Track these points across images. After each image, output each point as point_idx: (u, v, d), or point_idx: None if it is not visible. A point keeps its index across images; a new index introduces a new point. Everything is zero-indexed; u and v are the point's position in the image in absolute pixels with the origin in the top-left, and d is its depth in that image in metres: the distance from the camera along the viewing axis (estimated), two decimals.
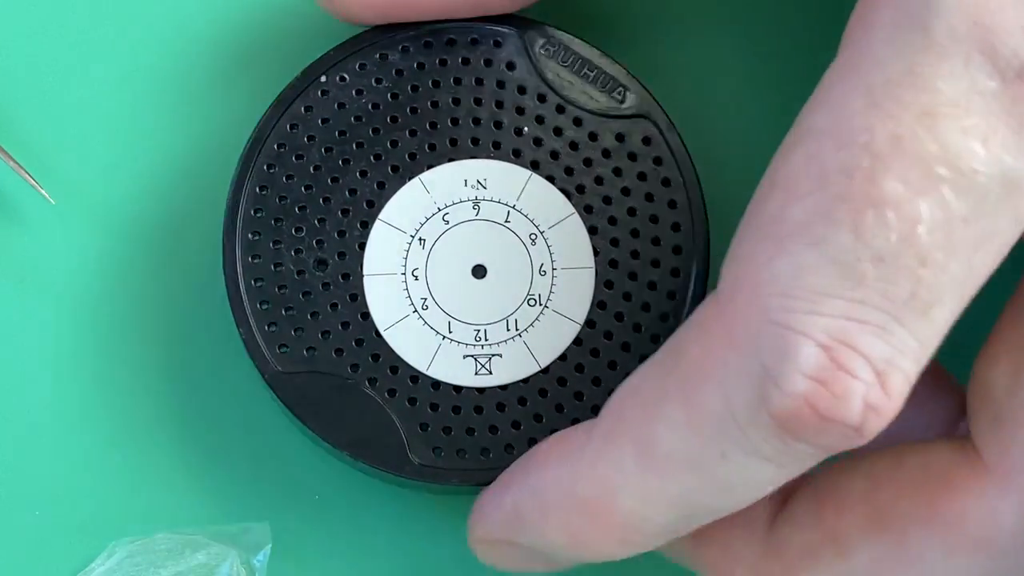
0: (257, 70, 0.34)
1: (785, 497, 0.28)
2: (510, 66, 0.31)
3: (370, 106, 0.30)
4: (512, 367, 0.30)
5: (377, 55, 0.31)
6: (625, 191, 0.31)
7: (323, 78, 0.31)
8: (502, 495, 0.28)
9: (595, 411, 0.29)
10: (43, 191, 0.33)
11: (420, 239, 0.30)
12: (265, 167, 0.30)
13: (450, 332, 0.30)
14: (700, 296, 0.30)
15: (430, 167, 0.30)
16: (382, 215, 0.30)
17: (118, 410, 0.33)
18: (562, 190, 0.31)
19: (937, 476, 0.26)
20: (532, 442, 0.30)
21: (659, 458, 0.25)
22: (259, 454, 0.33)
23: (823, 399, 0.23)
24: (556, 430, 0.30)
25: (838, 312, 0.23)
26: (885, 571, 0.27)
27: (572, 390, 0.30)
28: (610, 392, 0.29)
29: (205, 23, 0.34)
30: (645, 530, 0.26)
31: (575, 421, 0.30)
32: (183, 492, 0.33)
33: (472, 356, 0.30)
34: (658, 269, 0.30)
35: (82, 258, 0.33)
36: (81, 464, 0.33)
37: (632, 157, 0.31)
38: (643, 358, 0.30)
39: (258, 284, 0.30)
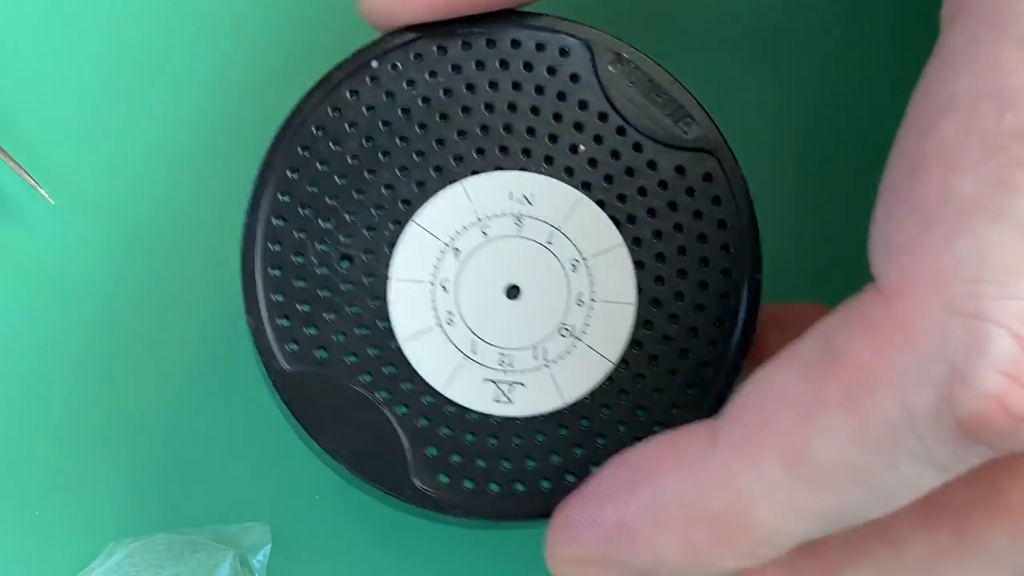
0: (281, 59, 0.33)
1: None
2: (574, 78, 0.29)
3: (420, 100, 0.28)
4: (534, 398, 0.28)
5: (435, 47, 0.29)
6: (678, 227, 0.29)
7: (374, 63, 0.28)
8: (600, 510, 0.25)
9: (611, 454, 0.27)
10: (43, 191, 0.33)
11: (455, 249, 0.28)
12: (299, 149, 0.28)
13: (473, 353, 0.28)
14: (743, 346, 0.28)
15: (475, 173, 0.28)
16: (417, 217, 0.28)
17: (118, 410, 0.33)
18: (612, 217, 0.28)
19: (999, 460, 0.24)
20: (541, 480, 0.28)
21: (814, 469, 0.23)
22: (259, 454, 0.32)
23: (1015, 396, 0.21)
24: (571, 472, 0.28)
25: None
26: (944, 563, 0.25)
27: (595, 431, 0.28)
28: (635, 437, 0.27)
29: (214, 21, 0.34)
30: (779, 544, 0.24)
31: (593, 464, 0.28)
32: (183, 492, 0.33)
33: (493, 381, 0.28)
34: (702, 313, 0.28)
35: (82, 258, 0.33)
36: (81, 464, 0.33)
37: (690, 192, 0.29)
38: (675, 405, 0.28)
39: (275, 273, 0.28)
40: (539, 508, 0.28)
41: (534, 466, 0.28)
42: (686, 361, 0.28)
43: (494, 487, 0.28)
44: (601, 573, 0.26)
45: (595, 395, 0.28)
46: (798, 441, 0.23)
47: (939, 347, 0.22)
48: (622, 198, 0.29)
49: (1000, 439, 0.22)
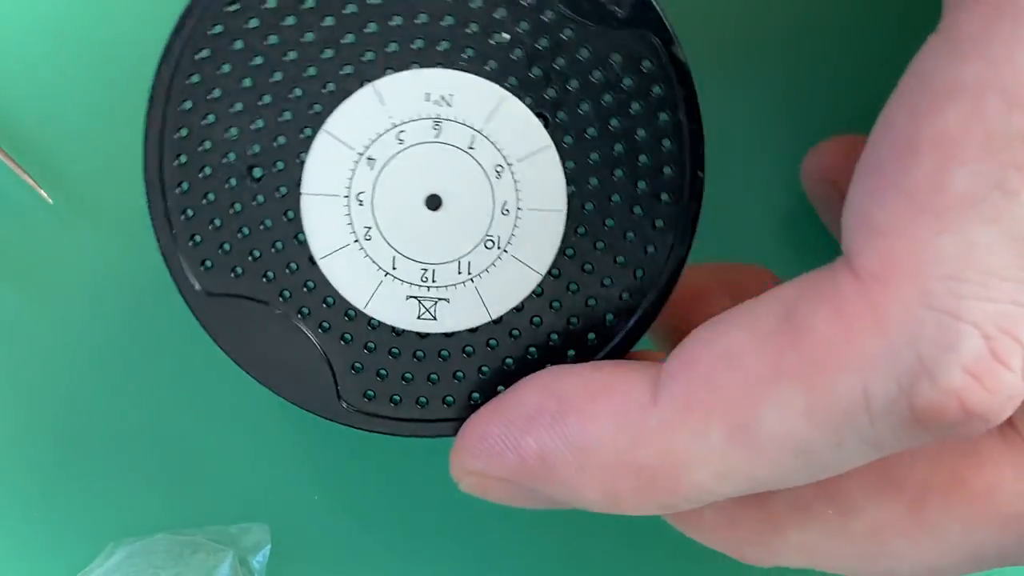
0: None
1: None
2: None
3: None
4: (459, 314, 0.27)
5: None
6: (611, 121, 0.26)
7: None
8: (520, 435, 0.25)
9: (543, 365, 0.26)
10: (41, 191, 0.33)
11: (369, 158, 0.26)
12: (199, 54, 0.26)
13: (394, 268, 0.27)
14: (682, 251, 0.26)
15: (389, 71, 0.26)
16: (327, 125, 0.26)
17: (117, 410, 0.33)
18: (539, 115, 0.26)
19: (963, 444, 0.25)
20: (472, 397, 0.27)
21: (758, 440, 0.23)
22: (258, 455, 0.32)
23: (975, 394, 0.22)
24: (502, 384, 0.27)
25: (1006, 297, 0.21)
26: (894, 537, 0.26)
27: (524, 344, 0.27)
28: (567, 351, 0.26)
29: None
30: (703, 500, 0.25)
31: (525, 374, 0.27)
32: (182, 493, 0.33)
33: (416, 298, 0.27)
34: (637, 216, 0.26)
35: (81, 258, 0.33)
36: (80, 464, 0.33)
37: (624, 80, 0.26)
38: (611, 318, 0.26)
39: (182, 188, 0.26)
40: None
41: (463, 378, 0.27)
42: (620, 268, 0.27)
43: (423, 400, 0.27)
44: (507, 494, 0.26)
45: (524, 307, 0.27)
46: (746, 410, 0.23)
47: (909, 338, 0.22)
48: (550, 92, 0.26)
49: (949, 429, 0.22)
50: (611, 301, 0.27)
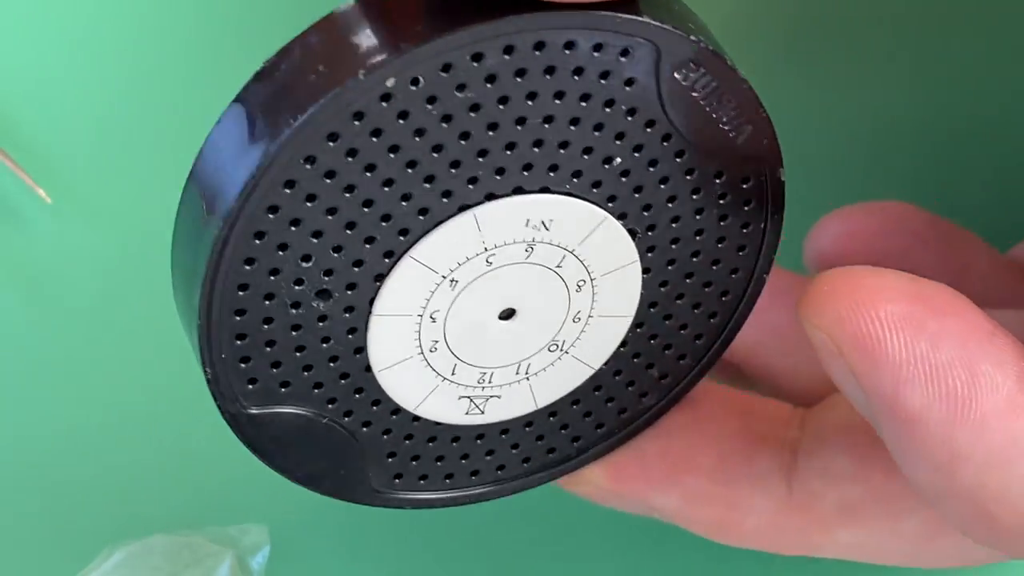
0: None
1: (794, 448, 0.27)
2: (630, 83, 0.22)
3: (440, 119, 0.21)
4: (507, 407, 0.25)
5: (469, 55, 0.21)
6: (701, 236, 0.24)
7: (390, 81, 0.21)
8: (912, 333, 0.21)
9: (575, 439, 0.26)
10: (40, 191, 0.33)
11: (452, 280, 0.23)
12: (281, 185, 0.21)
13: (452, 375, 0.24)
14: (726, 341, 0.26)
15: (490, 198, 0.23)
16: (415, 250, 0.23)
17: (115, 409, 0.33)
18: (630, 230, 0.24)
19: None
20: (497, 468, 0.26)
21: None
22: None
23: None
24: (526, 460, 0.26)
25: None
26: (943, 536, 0.26)
27: (559, 422, 0.26)
28: (598, 428, 0.27)
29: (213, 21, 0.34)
30: None
31: (562, 459, 0.27)
32: (181, 493, 0.32)
33: (468, 397, 0.25)
34: (697, 310, 0.26)
35: (79, 257, 0.34)
36: (79, 465, 0.32)
37: (721, 197, 0.24)
38: (648, 400, 0.26)
39: (237, 317, 0.22)
40: (495, 491, 0.27)
41: (493, 454, 0.26)
42: (679, 363, 0.26)
43: (451, 476, 0.26)
44: (844, 381, 0.23)
45: (570, 396, 0.26)
46: None
47: None
48: (647, 208, 0.24)
49: None
50: (652, 385, 0.26)
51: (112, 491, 0.33)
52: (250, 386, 0.23)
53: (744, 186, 0.24)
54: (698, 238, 0.25)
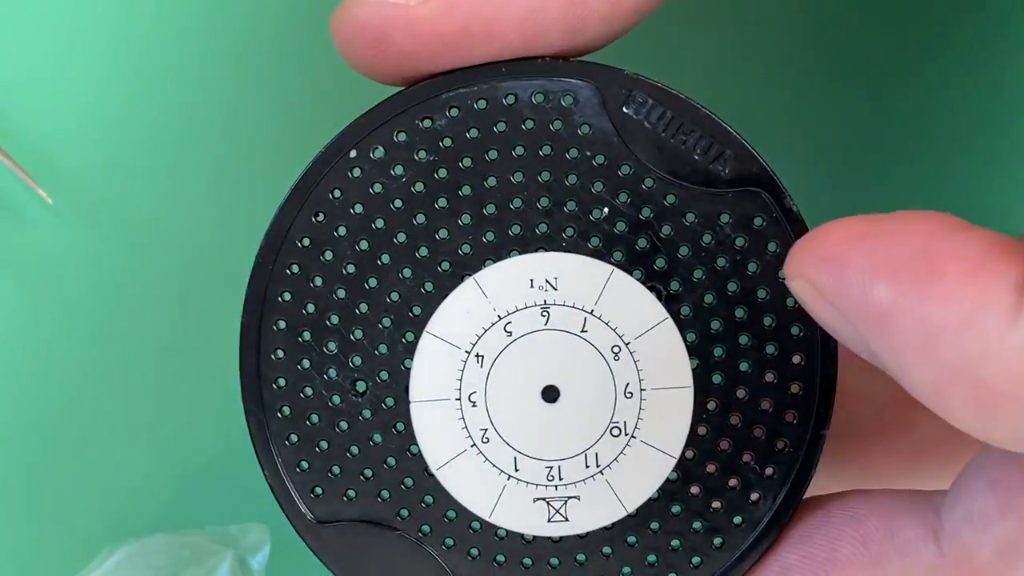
0: (283, 56, 0.32)
1: (936, 508, 0.24)
2: (586, 126, 0.24)
3: (412, 186, 0.24)
4: (592, 511, 0.25)
5: (420, 120, 0.24)
6: (728, 286, 0.24)
7: (352, 153, 0.24)
8: (872, 281, 0.21)
9: (688, 556, 0.24)
10: (41, 191, 0.33)
11: (477, 355, 0.25)
12: (288, 270, 0.25)
13: (516, 471, 0.25)
14: (823, 412, 0.25)
15: (488, 262, 0.25)
16: (430, 327, 0.25)
17: (115, 410, 0.33)
18: (651, 289, 0.24)
19: None
20: None
21: None
22: None
23: None
24: None
25: None
26: None
27: (666, 536, 0.25)
28: (713, 539, 0.24)
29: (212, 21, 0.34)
30: None
31: (671, 569, 0.25)
32: (181, 493, 0.33)
33: (544, 499, 0.25)
34: (770, 383, 0.25)
35: (80, 257, 0.33)
36: (80, 465, 0.33)
37: (738, 241, 0.24)
38: (756, 495, 0.24)
39: (284, 412, 0.25)
40: None
41: None
42: (760, 441, 0.25)
43: None
44: (833, 322, 0.22)
45: (662, 495, 0.25)
46: None
47: None
48: (659, 263, 0.24)
49: None
50: (755, 478, 0.25)
51: (112, 491, 0.32)
52: (312, 495, 0.25)
53: (756, 226, 0.24)
54: (730, 291, 0.24)
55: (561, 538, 0.25)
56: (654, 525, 0.25)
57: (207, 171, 0.33)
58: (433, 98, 0.24)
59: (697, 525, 0.25)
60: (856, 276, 0.21)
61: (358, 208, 0.24)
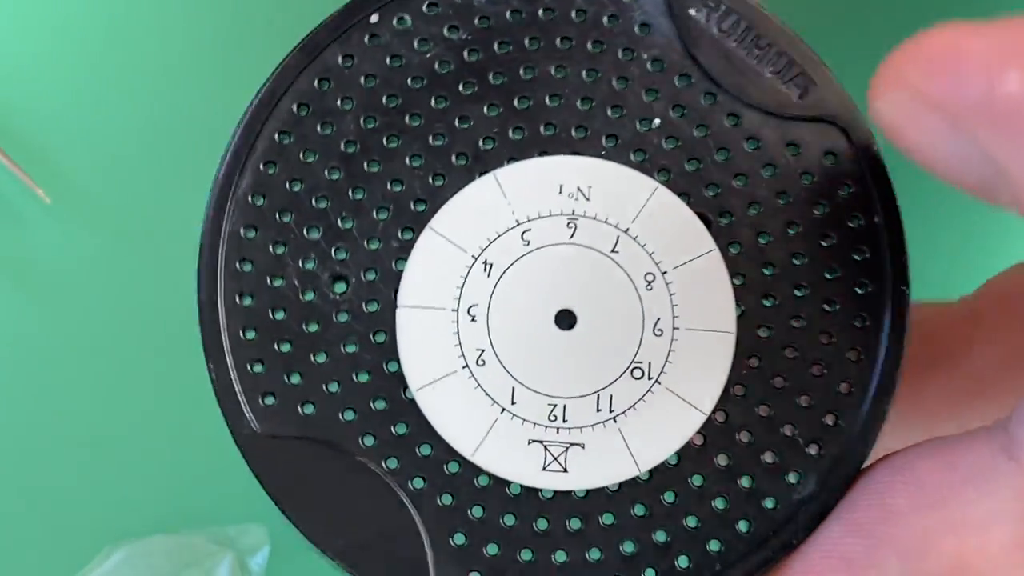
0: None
1: (1003, 427, 0.20)
2: (644, 27, 0.21)
3: (438, 64, 0.21)
4: (598, 465, 0.20)
5: None
6: (791, 224, 0.21)
7: (374, 17, 0.21)
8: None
9: (704, 541, 0.19)
10: (39, 191, 0.33)
11: (485, 263, 0.21)
12: (275, 135, 0.21)
13: (513, 403, 0.20)
14: (886, 388, 0.20)
15: (512, 160, 0.21)
16: (434, 222, 0.21)
17: (115, 410, 0.33)
18: (700, 215, 0.21)
19: None
20: None
21: None
22: None
23: None
24: (652, 566, 0.20)
25: None
26: None
27: (683, 508, 0.20)
28: (737, 523, 0.20)
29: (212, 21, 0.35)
30: None
31: (682, 554, 0.20)
32: (181, 493, 0.32)
33: (541, 442, 0.20)
34: (827, 344, 0.21)
35: (78, 257, 0.34)
36: (79, 465, 0.33)
37: (807, 177, 0.21)
38: (795, 479, 0.20)
39: (244, 302, 0.21)
40: None
41: (600, 558, 0.20)
42: (807, 410, 0.20)
43: None
44: (933, 136, 0.18)
45: (682, 458, 0.20)
46: None
47: None
48: (713, 187, 0.21)
49: None
50: (795, 456, 0.20)
51: (112, 491, 0.32)
52: (264, 403, 0.20)
53: (828, 164, 0.21)
54: (792, 234, 0.21)
55: (555, 495, 0.20)
56: (668, 496, 0.20)
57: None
58: None
59: (720, 504, 0.20)
60: (980, 68, 0.17)
61: (370, 81, 0.21)
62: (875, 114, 0.18)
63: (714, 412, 0.20)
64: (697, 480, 0.20)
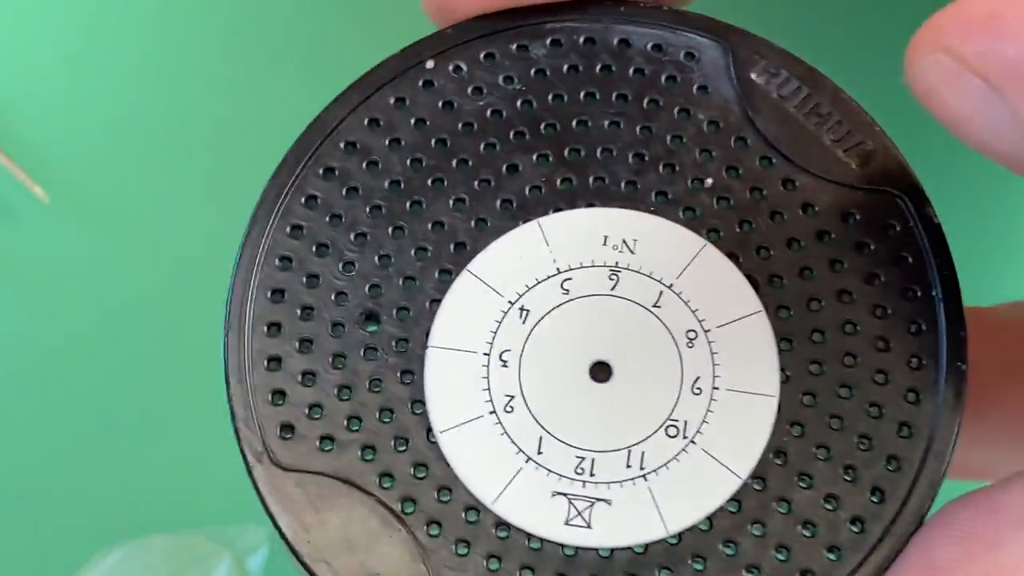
0: (303, 53, 0.31)
1: None
2: (703, 90, 0.21)
3: (489, 112, 0.21)
4: (624, 523, 0.19)
5: (514, 45, 0.21)
6: (843, 294, 0.20)
7: (429, 63, 0.21)
8: None
9: None
10: (37, 189, 0.33)
11: (522, 309, 0.20)
12: (321, 171, 0.21)
13: (539, 453, 0.19)
14: (938, 470, 0.19)
15: (558, 210, 0.20)
16: (472, 265, 0.20)
17: (113, 410, 0.33)
18: (748, 276, 0.20)
19: None
20: None
21: None
22: None
23: None
24: None
25: None
26: None
27: (712, 573, 0.19)
28: None
29: (211, 20, 0.35)
30: None
31: None
32: (180, 493, 0.32)
33: (566, 495, 0.19)
34: (878, 417, 0.19)
35: (76, 256, 0.34)
36: (78, 465, 0.32)
37: (862, 247, 0.20)
38: (832, 547, 0.19)
39: (271, 335, 0.20)
40: None
41: None
42: (852, 484, 0.19)
43: None
44: (972, 100, 0.17)
45: (714, 524, 0.19)
46: None
47: None
48: (764, 250, 0.20)
49: None
50: (835, 531, 0.19)
51: (111, 491, 0.32)
52: (282, 435, 0.20)
53: (886, 234, 0.20)
54: (844, 304, 0.20)
55: (577, 551, 0.19)
56: (697, 565, 0.19)
57: (204, 169, 0.34)
58: (534, 25, 0.21)
59: (753, 575, 0.19)
60: (1019, 29, 0.17)
61: (420, 125, 0.21)
62: (911, 77, 0.18)
63: (751, 478, 0.19)
64: (729, 550, 0.19)
